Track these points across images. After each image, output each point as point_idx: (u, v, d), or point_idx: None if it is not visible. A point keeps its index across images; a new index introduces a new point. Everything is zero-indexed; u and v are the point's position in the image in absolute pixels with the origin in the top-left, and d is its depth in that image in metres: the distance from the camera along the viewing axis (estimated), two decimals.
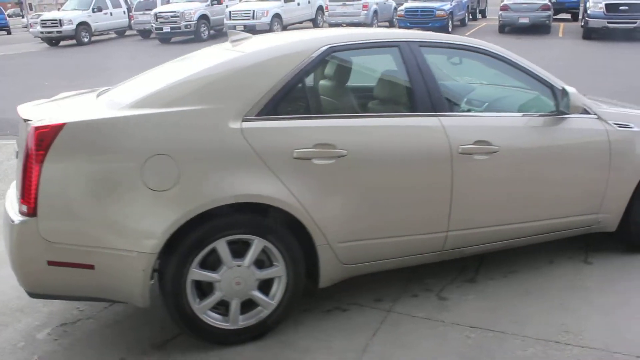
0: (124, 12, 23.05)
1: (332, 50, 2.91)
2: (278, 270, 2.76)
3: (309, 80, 2.92)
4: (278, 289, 2.78)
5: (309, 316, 3.00)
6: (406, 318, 2.97)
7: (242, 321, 2.76)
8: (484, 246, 3.21)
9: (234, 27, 19.11)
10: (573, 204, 3.34)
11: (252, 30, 19.01)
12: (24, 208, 2.47)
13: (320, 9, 21.57)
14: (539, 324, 2.86)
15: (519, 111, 3.31)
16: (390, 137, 2.85)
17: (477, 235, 3.13)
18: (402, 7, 18.20)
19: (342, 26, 19.95)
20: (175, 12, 19.31)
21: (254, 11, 18.71)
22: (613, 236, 3.57)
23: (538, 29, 17.68)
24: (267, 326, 2.81)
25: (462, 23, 20.37)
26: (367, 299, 3.15)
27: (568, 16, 22.03)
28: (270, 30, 18.98)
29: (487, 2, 25.52)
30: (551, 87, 3.28)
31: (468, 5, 20.94)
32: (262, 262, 2.75)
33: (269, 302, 2.77)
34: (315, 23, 21.64)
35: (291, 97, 2.80)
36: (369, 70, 3.40)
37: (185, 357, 2.68)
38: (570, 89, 3.16)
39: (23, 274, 2.55)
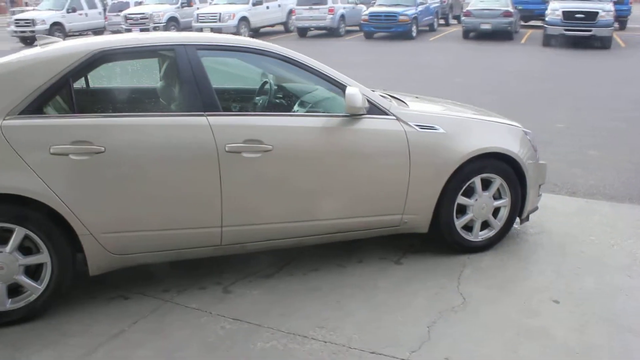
0: (100, 13, 23.29)
1: (103, 54, 3.08)
2: (43, 257, 2.94)
3: (76, 81, 3.10)
4: (46, 275, 2.98)
5: (92, 303, 3.18)
6: (179, 308, 3.13)
7: (10, 304, 2.96)
8: (269, 243, 3.35)
9: (201, 30, 19.35)
10: (369, 204, 3.44)
11: (218, 33, 19.29)
12: None
13: (291, 12, 21.78)
14: (300, 319, 2.98)
15: (309, 111, 3.49)
16: (153, 134, 3.02)
17: (257, 232, 3.26)
18: (366, 12, 18.40)
19: (310, 30, 20.22)
20: (144, 13, 19.59)
21: (220, 14, 18.93)
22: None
23: (501, 34, 17.90)
24: (37, 309, 3.00)
25: (431, 28, 20.58)
26: (155, 289, 3.32)
27: (540, 23, 22.21)
28: (237, 33, 19.22)
29: (462, 8, 25.69)
30: (343, 88, 3.37)
31: (437, 11, 21.14)
32: (29, 249, 2.96)
33: (36, 287, 2.96)
34: (286, 27, 21.86)
35: (55, 97, 2.99)
36: (144, 72, 3.59)
37: None
38: (348, 90, 3.25)
39: None
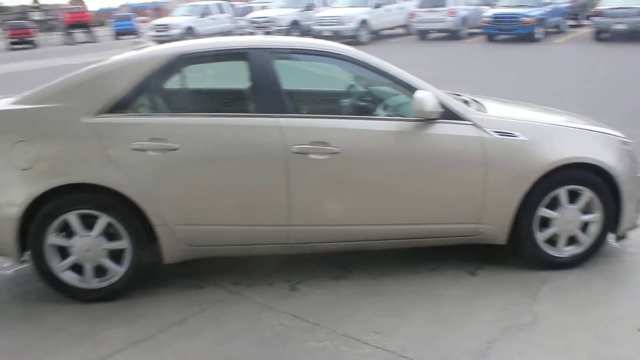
0: (229, 17, 24.70)
1: (183, 57, 3.29)
2: (123, 243, 3.21)
3: (159, 83, 3.32)
4: (126, 259, 3.25)
5: (169, 289, 3.41)
6: (245, 301, 3.25)
7: (96, 283, 3.27)
8: (337, 244, 3.37)
9: (321, 32, 19.81)
10: (441, 211, 3.34)
11: (338, 36, 19.60)
12: None
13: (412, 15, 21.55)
14: (357, 322, 2.97)
15: (382, 115, 3.46)
16: (226, 134, 3.17)
17: (324, 233, 3.29)
18: (487, 14, 17.69)
19: (431, 32, 19.88)
20: (267, 17, 20.45)
21: (340, 17, 19.23)
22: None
23: (638, 35, 16.33)
24: (118, 290, 3.28)
25: (559, 29, 19.30)
26: (228, 281, 3.47)
27: None
28: (356, 36, 19.41)
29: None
30: (414, 91, 3.27)
31: (567, 11, 19.77)
32: (113, 236, 3.24)
33: (118, 270, 3.24)
34: (407, 29, 21.66)
35: (140, 97, 3.24)
36: (219, 74, 3.73)
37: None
38: (417, 94, 3.17)
39: None
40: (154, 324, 3.05)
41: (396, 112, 3.48)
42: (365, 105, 3.66)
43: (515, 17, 16.87)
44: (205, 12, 23.62)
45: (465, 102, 3.68)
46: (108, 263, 3.24)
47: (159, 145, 3.13)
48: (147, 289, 3.39)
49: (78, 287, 3.26)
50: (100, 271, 3.27)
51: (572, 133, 3.53)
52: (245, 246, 3.33)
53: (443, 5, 18.67)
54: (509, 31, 17.04)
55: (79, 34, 32.12)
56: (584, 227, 3.52)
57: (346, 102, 3.76)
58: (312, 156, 3.17)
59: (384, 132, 3.27)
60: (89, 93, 3.22)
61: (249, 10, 23.09)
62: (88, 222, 3.19)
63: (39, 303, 3.30)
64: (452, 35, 19.28)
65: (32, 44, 30.80)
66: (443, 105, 3.29)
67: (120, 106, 3.19)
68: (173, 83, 3.44)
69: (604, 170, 3.41)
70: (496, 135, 3.32)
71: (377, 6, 20.05)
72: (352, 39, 19.64)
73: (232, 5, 25.00)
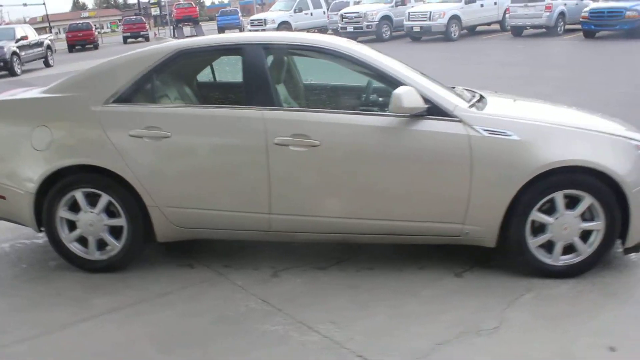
0: (324, 12, 25.06)
1: (182, 53, 3.52)
2: (121, 221, 3.50)
3: (159, 76, 3.56)
4: (124, 236, 3.54)
5: (163, 266, 3.67)
6: (227, 282, 3.42)
7: (98, 255, 3.60)
8: (318, 235, 3.44)
9: (412, 28, 19.58)
10: (424, 209, 3.30)
11: (427, 31, 19.28)
12: None
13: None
14: (319, 311, 3.02)
15: (369, 110, 3.48)
16: (213, 124, 3.37)
17: (305, 223, 3.37)
18: (586, 9, 16.54)
19: (526, 28, 18.98)
20: (358, 12, 20.52)
21: (430, 12, 18.87)
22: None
23: None
24: (115, 263, 3.57)
25: None
26: (218, 263, 3.67)
27: None
28: (446, 32, 18.98)
29: None
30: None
31: None
32: (114, 214, 3.54)
33: (116, 244, 3.54)
34: (502, 25, 20.82)
35: (142, 88, 3.51)
36: (214, 68, 3.89)
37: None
38: (397, 90, 3.14)
39: None
40: (137, 295, 3.31)
41: (381, 107, 3.48)
42: (354, 100, 3.70)
43: (619, 12, 15.64)
44: (300, 8, 24.14)
45: (481, 97, 3.61)
46: (108, 238, 3.55)
47: (153, 133, 3.38)
48: (145, 264, 3.68)
49: (82, 257, 3.60)
50: (102, 245, 3.60)
51: (572, 134, 3.31)
52: (229, 231, 3.49)
53: (540, 0, 17.70)
54: (610, 27, 15.85)
55: (186, 28, 34.09)
56: (586, 235, 3.33)
57: (336, 96, 3.81)
58: (292, 148, 3.26)
59: (366, 126, 3.28)
60: (100, 84, 3.54)
61: (344, 5, 23.27)
62: (93, 200, 3.51)
63: (50, 271, 3.69)
64: (548, 31, 18.25)
65: (145, 38, 33.12)
66: (429, 101, 3.25)
67: (125, 96, 3.49)
68: (172, 76, 3.69)
69: (607, 175, 3.20)
70: (485, 133, 3.21)
71: (470, 1, 19.42)
72: (441, 35, 19.28)
73: (327, 0, 25.30)
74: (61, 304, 3.27)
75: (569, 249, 3.35)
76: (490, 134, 3.21)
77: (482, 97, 3.68)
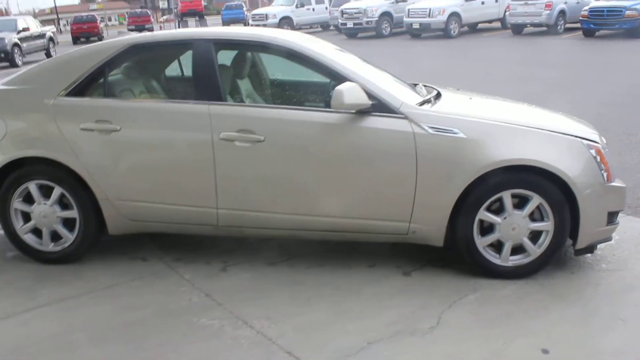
0: (326, 8, 24.98)
1: (134, 47, 3.53)
2: (74, 213, 3.52)
3: (111, 70, 3.58)
4: (76, 228, 3.56)
5: (118, 258, 3.69)
6: (175, 276, 3.44)
7: (52, 247, 3.61)
8: (266, 231, 3.44)
9: (411, 25, 19.50)
10: (370, 206, 3.28)
11: (426, 28, 19.20)
12: None
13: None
14: (258, 307, 3.03)
15: (314, 106, 3.47)
16: (162, 118, 3.38)
17: (252, 218, 3.37)
18: (585, 8, 16.40)
19: (526, 27, 18.86)
20: (358, 8, 20.45)
21: (430, 9, 18.78)
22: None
23: None
24: (69, 254, 3.60)
25: None
26: (171, 257, 3.68)
27: None
28: (446, 29, 18.90)
29: None
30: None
31: None
32: (67, 205, 3.55)
33: (69, 236, 3.56)
34: (503, 23, 20.68)
35: (94, 82, 3.52)
36: (164, 63, 3.88)
37: None
38: (340, 86, 3.11)
39: None
40: (85, 287, 3.34)
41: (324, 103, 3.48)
42: (311, 95, 3.71)
43: (619, 11, 15.49)
44: (302, 3, 24.10)
45: (438, 94, 3.61)
46: (61, 229, 3.58)
47: (103, 127, 3.39)
48: (101, 256, 3.70)
49: (37, 249, 3.63)
50: (56, 236, 3.62)
51: (521, 133, 3.26)
52: (179, 225, 3.51)
53: None
54: (610, 26, 15.72)
55: (191, 22, 34.13)
56: (537, 236, 3.31)
57: (294, 92, 3.81)
58: (237, 143, 3.27)
59: (310, 122, 3.27)
60: (54, 77, 3.57)
61: (347, 0, 23.18)
62: (47, 192, 3.54)
63: (5, 261, 3.73)
64: (549, 30, 18.12)
65: (150, 31, 33.17)
66: (375, 98, 3.23)
67: (78, 89, 3.51)
68: (125, 70, 3.71)
69: (557, 176, 3.18)
70: (431, 130, 3.19)
71: None
72: (441, 32, 19.20)
73: None
74: (9, 294, 3.30)
75: (518, 249, 3.34)
76: (436, 131, 3.19)
77: (439, 94, 3.67)
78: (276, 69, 4.27)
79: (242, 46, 3.66)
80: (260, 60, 4.22)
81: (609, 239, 3.45)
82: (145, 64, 3.83)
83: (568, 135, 3.33)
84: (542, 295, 3.18)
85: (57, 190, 3.50)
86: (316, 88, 4.01)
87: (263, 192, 3.34)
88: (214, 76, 3.38)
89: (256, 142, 3.25)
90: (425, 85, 3.95)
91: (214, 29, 3.85)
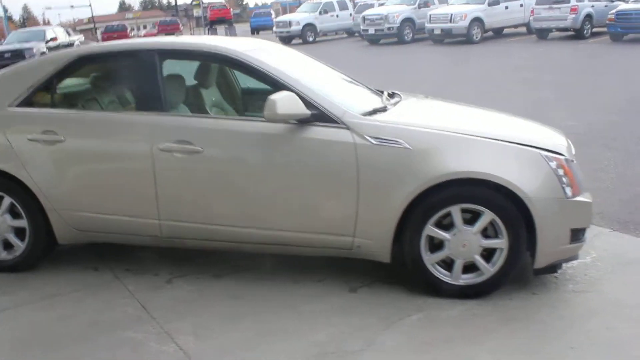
0: (351, 14, 24.91)
1: (82, 58, 3.55)
2: (24, 222, 3.53)
3: (60, 81, 3.58)
4: (27, 237, 3.55)
5: (69, 267, 3.68)
6: (120, 286, 3.41)
7: (4, 256, 3.62)
8: (208, 243, 3.36)
9: (433, 31, 19.24)
10: (311, 220, 3.16)
11: (448, 34, 18.90)
12: None
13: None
14: (190, 323, 2.96)
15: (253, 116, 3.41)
16: (104, 129, 3.38)
17: (193, 230, 3.30)
18: (612, 11, 15.85)
19: (552, 31, 18.38)
20: (380, 14, 20.29)
21: (452, 15, 18.49)
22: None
23: None
24: (20, 263, 3.60)
25: None
26: (121, 267, 3.65)
27: None
28: (468, 34, 18.58)
29: None
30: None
31: None
32: (19, 215, 3.55)
33: (20, 245, 3.57)
34: (529, 28, 20.19)
35: (44, 92, 3.54)
36: (111, 73, 3.83)
37: None
38: (274, 95, 3.00)
39: None
40: (28, 296, 3.34)
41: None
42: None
43: None
44: (326, 9, 24.08)
45: (398, 102, 3.51)
46: (12, 238, 3.59)
47: (49, 137, 3.40)
48: (54, 265, 3.70)
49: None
50: (8, 245, 3.63)
51: (475, 144, 3.06)
52: (124, 235, 3.47)
53: (565, 2, 17.08)
54: (638, 29, 15.15)
55: (220, 29, 34.57)
56: (491, 254, 3.13)
57: (255, 101, 3.72)
58: (176, 154, 3.22)
59: (247, 133, 3.19)
60: (5, 87, 3.60)
61: (369, 7, 23.08)
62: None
63: None
64: (575, 34, 17.60)
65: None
66: (315, 107, 3.12)
67: (27, 100, 3.54)
68: (73, 81, 3.72)
69: (509, 189, 3.00)
70: (374, 141, 3.05)
71: (494, 3, 18.93)
72: (463, 38, 18.88)
73: (353, 2, 25.15)
74: None
75: (471, 267, 3.17)
76: (379, 142, 3.05)
77: (397, 102, 3.54)
78: (248, 79, 4.19)
79: (186, 55, 3.62)
80: (229, 69, 4.15)
81: (574, 257, 3.25)
82: (93, 75, 3.83)
83: (525, 146, 3.13)
84: (492, 317, 2.99)
85: (7, 200, 3.52)
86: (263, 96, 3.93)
87: (202, 204, 3.28)
88: (155, 86, 3.33)
89: (194, 153, 3.19)
90: (391, 93, 3.82)
91: (161, 39, 3.85)
